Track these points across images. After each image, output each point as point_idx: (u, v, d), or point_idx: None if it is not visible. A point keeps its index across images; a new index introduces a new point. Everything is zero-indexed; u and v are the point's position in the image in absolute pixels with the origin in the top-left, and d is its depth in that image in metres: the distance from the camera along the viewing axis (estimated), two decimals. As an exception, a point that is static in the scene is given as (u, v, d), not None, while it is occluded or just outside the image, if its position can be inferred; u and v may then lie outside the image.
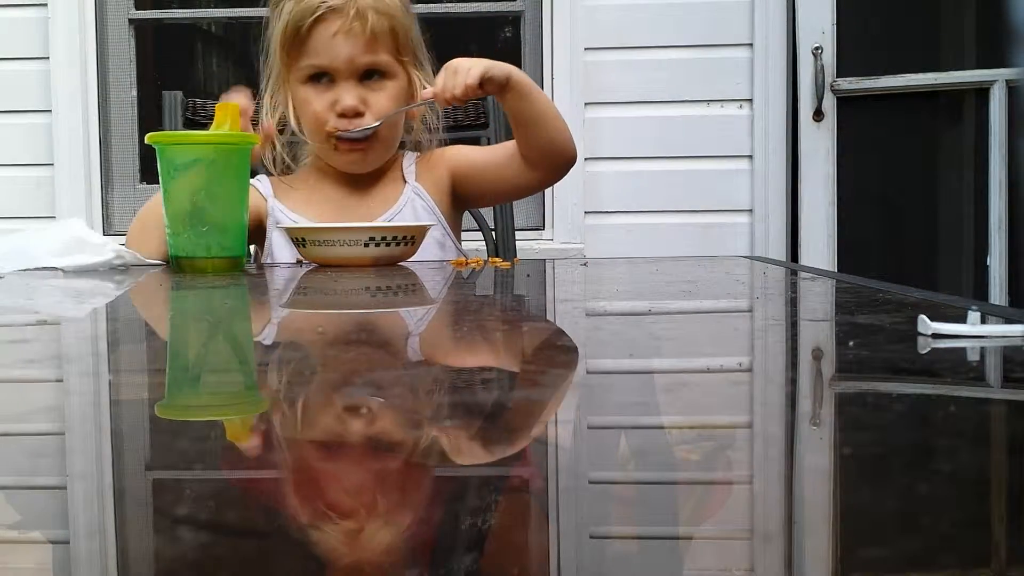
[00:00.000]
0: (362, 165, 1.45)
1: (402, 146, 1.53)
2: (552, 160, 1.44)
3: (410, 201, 1.47)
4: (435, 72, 1.49)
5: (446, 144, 1.57)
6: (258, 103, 1.51)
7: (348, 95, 1.40)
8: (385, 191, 1.49)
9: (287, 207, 1.45)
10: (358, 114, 1.41)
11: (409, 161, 1.52)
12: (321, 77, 1.42)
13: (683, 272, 1.23)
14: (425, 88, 1.45)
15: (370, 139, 1.41)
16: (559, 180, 1.51)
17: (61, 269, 1.19)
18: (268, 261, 1.45)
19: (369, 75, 1.43)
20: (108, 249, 1.23)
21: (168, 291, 1.05)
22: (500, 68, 1.35)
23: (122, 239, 1.42)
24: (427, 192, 1.48)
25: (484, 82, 1.33)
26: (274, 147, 1.47)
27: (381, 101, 1.42)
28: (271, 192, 1.47)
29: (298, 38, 1.41)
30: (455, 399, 0.46)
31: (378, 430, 0.41)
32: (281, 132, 1.48)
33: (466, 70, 1.32)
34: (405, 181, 1.49)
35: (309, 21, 1.40)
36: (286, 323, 0.83)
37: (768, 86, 2.37)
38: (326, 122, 1.41)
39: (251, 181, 1.44)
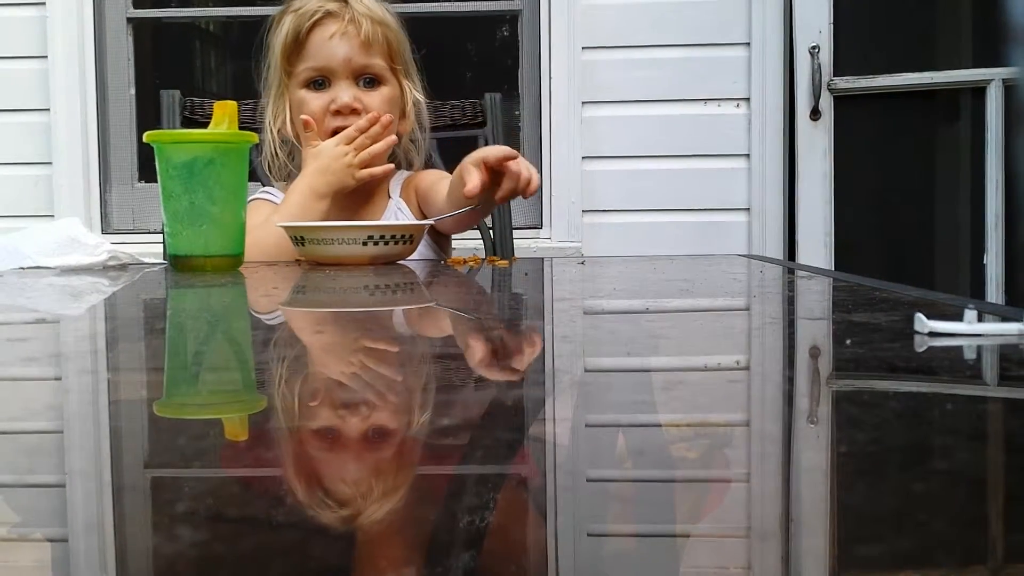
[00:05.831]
0: None
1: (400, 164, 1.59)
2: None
3: (393, 215, 1.52)
4: (424, 84, 1.56)
5: (435, 145, 1.64)
6: (260, 115, 1.55)
7: (345, 93, 1.45)
8: (371, 205, 1.53)
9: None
10: (354, 111, 1.45)
11: (397, 178, 1.57)
12: (319, 81, 1.48)
13: (680, 270, 1.23)
14: (416, 97, 1.51)
15: None
16: None
17: (51, 269, 1.19)
18: None
19: (363, 79, 1.48)
20: (102, 250, 1.23)
21: (167, 289, 1.05)
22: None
23: (120, 238, 1.42)
24: (408, 207, 1.54)
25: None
26: (277, 156, 1.53)
27: (375, 103, 1.47)
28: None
29: (297, 44, 1.48)
30: (453, 398, 0.46)
31: (375, 429, 0.41)
32: (283, 142, 1.54)
33: (532, 172, 1.34)
34: (390, 196, 1.54)
35: (307, 25, 1.47)
36: (285, 321, 0.83)
37: (765, 85, 2.37)
38: (322, 122, 1.46)
39: (271, 192, 1.49)
